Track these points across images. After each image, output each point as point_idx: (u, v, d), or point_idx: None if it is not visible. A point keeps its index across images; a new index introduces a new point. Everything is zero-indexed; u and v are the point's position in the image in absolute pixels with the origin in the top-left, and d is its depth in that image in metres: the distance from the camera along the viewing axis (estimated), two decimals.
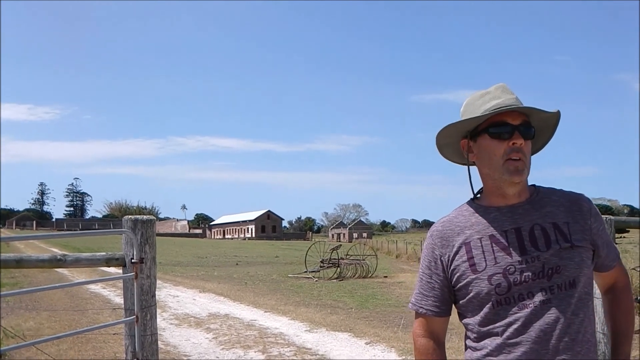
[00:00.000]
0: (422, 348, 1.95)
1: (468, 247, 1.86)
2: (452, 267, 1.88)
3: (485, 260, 1.82)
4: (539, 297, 1.76)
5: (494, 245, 1.83)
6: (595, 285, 1.95)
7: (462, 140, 1.96)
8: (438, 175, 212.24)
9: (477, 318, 1.84)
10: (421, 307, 1.96)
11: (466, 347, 1.91)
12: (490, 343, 1.80)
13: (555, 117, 1.92)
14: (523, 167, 1.82)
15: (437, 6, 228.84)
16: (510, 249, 1.82)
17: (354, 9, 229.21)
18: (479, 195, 1.96)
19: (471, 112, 1.90)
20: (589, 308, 1.83)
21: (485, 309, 1.81)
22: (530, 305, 1.76)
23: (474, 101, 1.92)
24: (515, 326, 1.76)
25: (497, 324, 1.79)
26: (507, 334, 1.77)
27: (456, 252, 1.88)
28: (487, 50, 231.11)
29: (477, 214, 1.91)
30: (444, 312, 1.94)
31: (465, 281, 1.84)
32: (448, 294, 1.93)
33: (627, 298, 2.02)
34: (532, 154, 1.95)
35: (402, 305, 13.66)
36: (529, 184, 1.94)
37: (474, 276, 1.82)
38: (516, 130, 1.82)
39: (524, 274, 1.78)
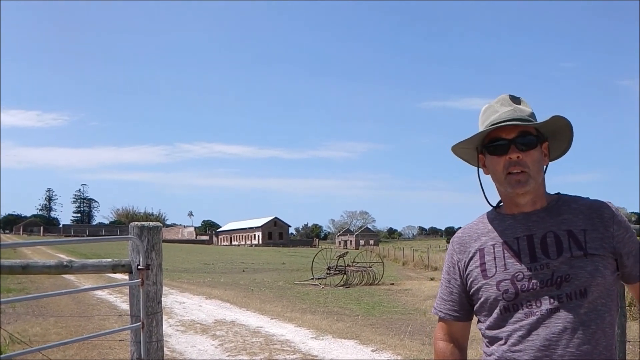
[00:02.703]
0: (441, 351, 2.00)
1: (482, 253, 1.89)
2: (466, 273, 1.92)
3: (496, 266, 1.84)
4: (546, 305, 1.74)
5: (505, 251, 1.85)
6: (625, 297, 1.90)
7: (478, 155, 1.99)
8: (445, 182, 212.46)
9: (487, 323, 1.86)
10: (441, 312, 2.01)
11: (483, 353, 1.93)
12: (497, 349, 1.81)
13: (562, 122, 1.89)
14: (526, 178, 1.82)
15: (445, 13, 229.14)
16: (521, 255, 1.82)
17: (361, 16, 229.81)
18: (501, 204, 1.98)
19: (479, 127, 1.93)
20: (605, 320, 1.77)
21: (494, 314, 1.83)
22: (537, 313, 1.75)
23: (481, 115, 1.95)
24: (520, 333, 1.76)
25: (503, 329, 1.80)
26: (511, 340, 1.77)
27: (471, 258, 1.92)
28: (494, 58, 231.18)
29: (494, 222, 1.94)
30: (463, 317, 1.98)
31: (476, 286, 1.87)
32: (466, 299, 1.95)
33: None
34: (552, 160, 1.97)
35: (408, 312, 13.63)
36: (554, 192, 1.94)
37: (484, 281, 1.85)
38: (512, 144, 1.83)
39: (532, 281, 1.77)
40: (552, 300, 1.75)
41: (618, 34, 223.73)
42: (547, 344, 1.72)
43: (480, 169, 1.99)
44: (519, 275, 1.79)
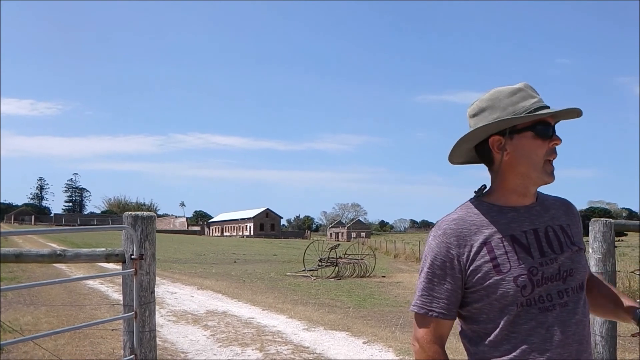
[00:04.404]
0: (435, 355, 1.81)
1: (489, 247, 1.77)
2: (472, 268, 1.77)
3: (509, 261, 1.75)
4: (556, 300, 1.74)
5: (515, 245, 1.78)
6: None
7: (492, 137, 1.85)
8: (437, 176, 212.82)
9: (499, 321, 1.75)
10: (432, 310, 1.81)
11: (474, 353, 1.82)
12: (513, 349, 1.73)
13: (571, 117, 1.91)
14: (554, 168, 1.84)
15: (441, 9, 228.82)
16: (531, 250, 1.78)
17: (357, 11, 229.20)
18: (483, 193, 1.90)
19: (503, 109, 1.82)
20: (588, 311, 1.85)
21: (508, 311, 1.74)
22: (551, 309, 1.73)
23: (503, 97, 1.84)
24: (538, 330, 1.72)
25: (519, 327, 1.73)
26: (531, 338, 1.72)
27: (477, 252, 1.77)
28: (490, 53, 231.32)
29: (492, 213, 1.83)
30: (453, 315, 1.83)
31: (487, 282, 1.75)
32: (461, 296, 1.82)
33: (602, 280, 2.08)
34: None
35: (399, 305, 13.67)
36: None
37: (498, 277, 1.74)
38: (554, 131, 1.83)
39: (545, 276, 1.75)
40: (561, 295, 1.75)
41: (615, 31, 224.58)
42: (563, 338, 1.72)
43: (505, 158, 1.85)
44: (533, 270, 1.75)
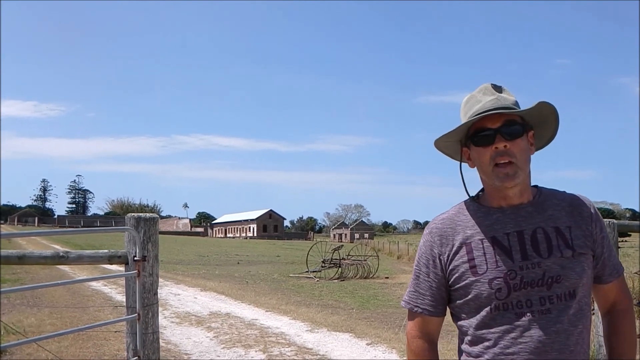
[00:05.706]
0: (418, 350, 1.88)
1: (469, 248, 1.79)
2: (450, 267, 1.81)
3: (487, 263, 1.75)
4: (537, 306, 1.70)
5: (495, 247, 1.77)
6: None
7: (462, 148, 1.91)
8: (440, 177, 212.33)
9: (473, 321, 1.78)
10: (417, 306, 1.88)
11: (461, 352, 1.85)
12: (486, 351, 1.74)
13: (547, 109, 1.83)
14: (515, 170, 1.75)
15: (440, 10, 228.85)
16: (512, 252, 1.75)
17: (357, 12, 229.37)
18: (480, 194, 1.90)
19: (461, 119, 1.87)
20: (588, 319, 1.77)
21: (483, 313, 1.75)
22: (528, 314, 1.70)
23: (463, 106, 1.88)
24: (512, 334, 1.70)
25: (493, 330, 1.73)
26: (503, 342, 1.71)
27: (456, 252, 1.81)
28: (489, 54, 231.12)
29: (478, 214, 1.84)
30: (440, 312, 1.87)
31: (464, 282, 1.78)
32: (445, 294, 1.85)
33: (628, 324, 1.91)
34: (539, 148, 1.90)
35: None
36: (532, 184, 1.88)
37: (474, 278, 1.76)
38: (498, 133, 1.76)
39: (524, 280, 1.72)
40: (543, 301, 1.71)
41: (615, 32, 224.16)
42: (540, 346, 1.68)
43: (464, 163, 1.91)
44: (511, 273, 1.72)
